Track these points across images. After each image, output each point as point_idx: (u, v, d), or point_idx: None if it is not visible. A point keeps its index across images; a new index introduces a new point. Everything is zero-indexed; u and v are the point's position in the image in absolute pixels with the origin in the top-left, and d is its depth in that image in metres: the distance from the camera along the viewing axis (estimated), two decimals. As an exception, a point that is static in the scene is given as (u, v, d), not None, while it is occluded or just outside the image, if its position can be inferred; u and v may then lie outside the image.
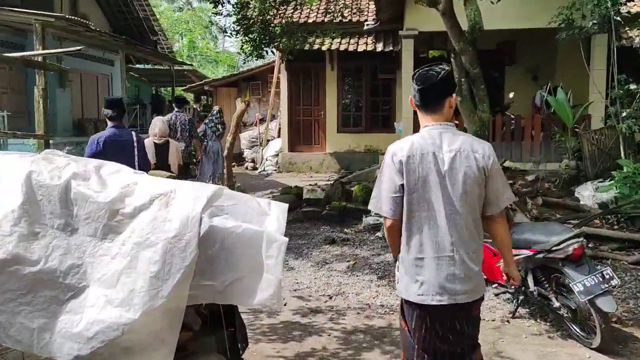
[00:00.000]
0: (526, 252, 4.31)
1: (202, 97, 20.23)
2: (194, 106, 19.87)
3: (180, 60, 13.85)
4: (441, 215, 2.42)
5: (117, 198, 2.66)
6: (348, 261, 6.32)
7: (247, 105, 7.21)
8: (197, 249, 2.51)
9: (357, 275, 5.85)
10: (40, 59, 5.97)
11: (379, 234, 7.39)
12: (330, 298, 5.25)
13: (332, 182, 9.67)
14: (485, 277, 5.32)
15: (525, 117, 11.56)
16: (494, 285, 5.26)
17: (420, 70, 2.55)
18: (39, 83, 6.15)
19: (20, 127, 11.32)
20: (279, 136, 15.66)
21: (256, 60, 13.16)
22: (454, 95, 2.56)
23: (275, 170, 15.07)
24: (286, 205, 3.03)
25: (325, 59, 14.50)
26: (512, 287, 4.62)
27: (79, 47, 6.46)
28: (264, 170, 15.25)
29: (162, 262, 2.49)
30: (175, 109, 9.11)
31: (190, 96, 21.79)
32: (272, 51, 13.31)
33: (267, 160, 15.50)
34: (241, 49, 12.69)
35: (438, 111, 2.51)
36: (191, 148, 9.06)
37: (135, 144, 5.36)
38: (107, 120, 5.37)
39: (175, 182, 2.78)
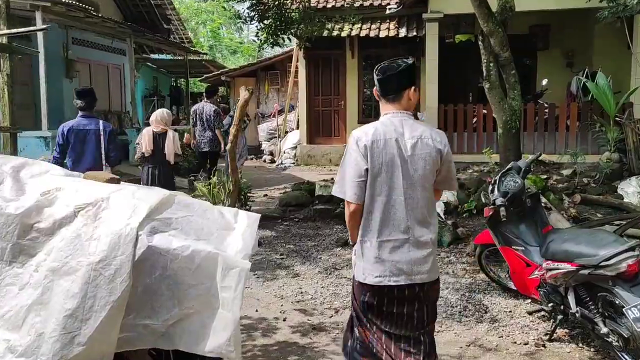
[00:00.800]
0: (567, 267, 3.58)
1: (219, 87, 19.70)
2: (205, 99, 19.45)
3: (195, 49, 13.28)
4: (401, 199, 2.51)
5: (33, 209, 2.06)
6: (360, 267, 5.67)
7: (251, 94, 6.55)
8: (130, 277, 1.91)
9: (369, 284, 5.19)
10: (5, 40, 5.41)
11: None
12: (337, 312, 4.61)
13: None
14: (516, 288, 4.68)
15: (560, 105, 10.68)
16: (527, 301, 4.54)
17: (383, 63, 2.67)
18: (3, 68, 5.60)
19: (25, 119, 10.95)
20: (297, 128, 15.04)
21: (271, 48, 12.48)
22: (413, 87, 2.63)
23: (293, 163, 14.46)
24: (258, 216, 2.39)
25: (345, 46, 13.78)
26: (549, 304, 3.91)
27: (44, 27, 5.90)
28: (281, 163, 14.66)
29: (82, 295, 1.89)
30: (205, 99, 9.10)
31: (205, 86, 21.33)
32: (288, 38, 12.62)
33: (284, 153, 14.90)
34: (256, 35, 12.07)
35: (397, 101, 2.60)
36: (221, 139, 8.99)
37: (101, 133, 5.43)
38: (78, 110, 5.47)
39: (114, 187, 2.16)
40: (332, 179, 10.56)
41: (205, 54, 14.24)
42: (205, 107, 8.99)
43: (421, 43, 12.66)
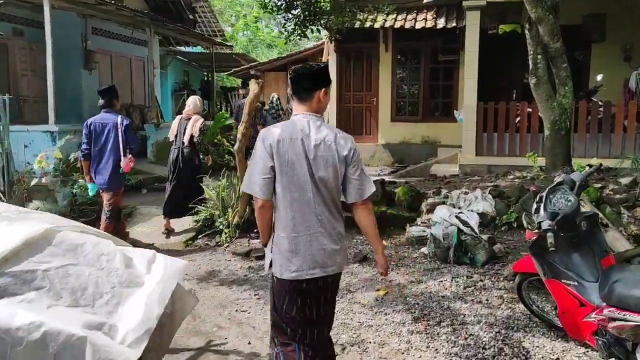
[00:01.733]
0: (636, 318, 2.71)
1: (248, 82, 19.16)
2: (241, 92, 18.82)
3: (220, 41, 12.65)
4: (309, 196, 2.61)
5: None
6: (377, 290, 4.87)
7: (262, 87, 5.85)
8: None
9: (386, 313, 4.38)
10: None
11: (424, 249, 5.88)
12: (343, 350, 3.84)
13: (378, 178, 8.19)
14: (564, 329, 3.80)
15: (617, 103, 9.56)
16: (579, 348, 3.64)
17: (299, 65, 2.77)
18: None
19: (40, 112, 10.58)
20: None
21: (299, 40, 11.76)
22: (324, 89, 2.70)
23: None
24: (183, 265, 1.64)
25: (378, 38, 12.91)
26: (610, 358, 3.05)
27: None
28: (309, 162, 13.92)
29: None
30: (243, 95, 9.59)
31: (237, 82, 20.80)
32: (318, 30, 11.87)
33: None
34: (283, 27, 11.38)
35: (307, 101, 2.69)
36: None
37: (119, 127, 6.00)
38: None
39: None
40: None
41: (231, 46, 13.59)
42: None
43: (461, 35, 11.67)
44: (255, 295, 4.86)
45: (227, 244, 6.39)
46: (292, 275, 2.62)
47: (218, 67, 20.94)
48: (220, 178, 7.12)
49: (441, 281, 4.97)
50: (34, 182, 7.24)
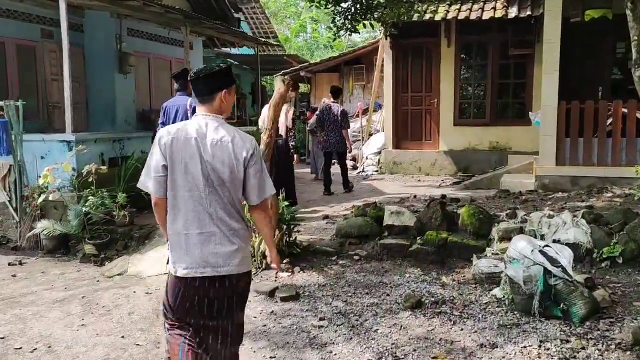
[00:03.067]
0: None
1: (299, 84, 18.08)
2: (291, 95, 17.87)
3: (266, 40, 11.62)
4: (202, 195, 2.58)
5: None
6: (434, 358, 3.58)
7: (290, 86, 4.72)
8: None
9: (447, 399, 3.10)
10: None
11: (496, 291, 4.52)
12: None
13: (429, 199, 6.90)
14: None
15: None
16: None
17: (200, 67, 2.73)
18: None
19: (78, 118, 9.91)
20: (383, 130, 12.99)
21: (349, 35, 10.59)
22: (226, 90, 2.67)
23: (376, 170, 12.43)
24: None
25: (439, 32, 11.52)
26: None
27: None
28: (362, 170, 12.69)
29: None
30: (332, 99, 9.61)
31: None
32: (371, 24, 10.64)
33: (367, 158, 12.92)
34: (332, 22, 10.25)
35: (208, 102, 2.67)
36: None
37: (188, 108, 6.50)
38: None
39: None
40: (414, 196, 8.45)
41: (279, 45, 12.56)
42: (333, 107, 9.45)
43: (536, 25, 10.14)
44: (270, 358, 3.69)
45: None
46: (184, 272, 2.61)
47: (269, 69, 20.07)
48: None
49: (524, 347, 3.60)
50: (40, 199, 6.42)
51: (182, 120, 5.97)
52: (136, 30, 10.63)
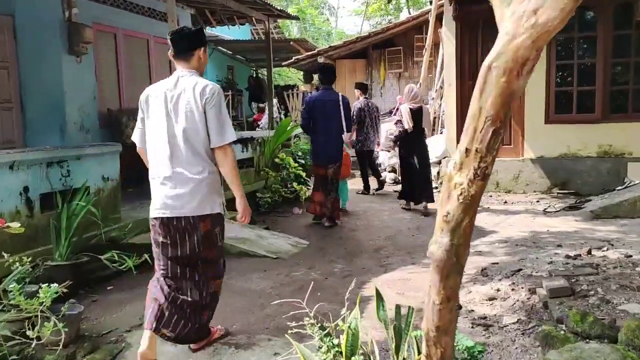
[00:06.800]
0: None
1: (313, 75, 14.68)
2: (303, 89, 14.41)
3: (280, 10, 8.28)
4: (166, 143, 2.91)
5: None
6: None
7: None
8: None
9: None
10: None
11: None
12: None
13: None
14: None
15: None
16: None
17: (176, 28, 3.20)
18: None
19: (6, 125, 6.46)
20: (441, 131, 9.70)
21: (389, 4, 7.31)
22: (203, 48, 3.03)
23: (435, 187, 9.12)
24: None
25: (528, -7, 8.24)
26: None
27: None
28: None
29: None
30: (363, 96, 8.87)
31: (294, 78, 16.47)
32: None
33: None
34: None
35: (188, 60, 3.01)
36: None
37: (340, 104, 6.46)
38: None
39: None
40: (588, 252, 4.99)
41: (296, 17, 9.36)
42: (370, 103, 8.93)
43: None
44: None
45: None
46: (152, 213, 2.97)
47: (263, 60, 16.73)
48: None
49: None
50: None
51: (335, 116, 6.41)
52: (97, -7, 7.17)
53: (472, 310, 3.51)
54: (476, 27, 8.77)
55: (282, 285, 4.35)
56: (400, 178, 8.23)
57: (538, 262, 4.35)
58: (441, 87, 10.61)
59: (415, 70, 11.55)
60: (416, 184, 7.35)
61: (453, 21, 8.77)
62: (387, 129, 11.08)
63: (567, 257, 4.36)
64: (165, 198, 2.89)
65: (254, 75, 17.45)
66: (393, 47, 11.83)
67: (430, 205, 7.37)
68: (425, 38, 10.64)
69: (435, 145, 9.46)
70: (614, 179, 7.98)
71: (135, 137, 3.07)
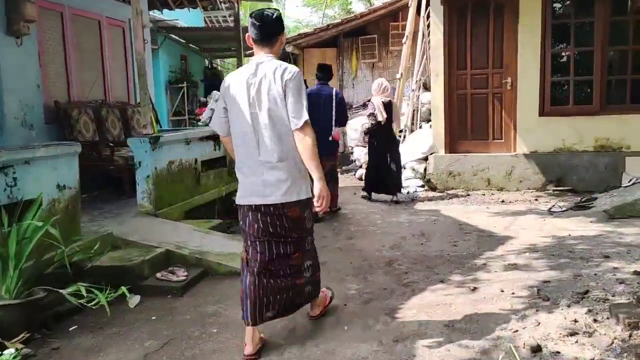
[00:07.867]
0: None
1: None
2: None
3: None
4: (251, 130, 2.89)
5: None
6: None
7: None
8: None
9: None
10: None
11: None
12: None
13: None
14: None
15: None
16: None
17: (255, 11, 2.99)
18: None
19: None
20: (420, 125, 9.02)
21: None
22: (283, 32, 3.03)
23: (422, 186, 8.43)
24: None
25: (523, -25, 7.68)
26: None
27: None
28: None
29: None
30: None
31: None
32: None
33: (404, 168, 8.87)
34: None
35: (271, 45, 2.95)
36: None
37: (333, 99, 6.47)
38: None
39: None
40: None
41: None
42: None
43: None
44: None
45: None
46: (240, 201, 2.99)
47: (224, 50, 15.66)
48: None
49: None
50: None
51: (328, 110, 6.45)
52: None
53: (558, 353, 2.76)
54: (464, 11, 8.12)
55: (294, 318, 3.44)
56: (366, 171, 7.91)
57: (602, 281, 3.68)
58: (420, 79, 9.96)
59: (390, 60, 10.84)
60: (386, 175, 7.37)
61: (441, 6, 8.10)
62: (362, 123, 10.33)
63: (636, 273, 3.71)
64: (253, 185, 2.92)
65: (210, 67, 16.30)
66: (367, 34, 11.09)
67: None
68: (403, 26, 9.96)
69: (420, 141, 8.77)
70: (611, 175, 7.56)
71: (215, 125, 3.08)
